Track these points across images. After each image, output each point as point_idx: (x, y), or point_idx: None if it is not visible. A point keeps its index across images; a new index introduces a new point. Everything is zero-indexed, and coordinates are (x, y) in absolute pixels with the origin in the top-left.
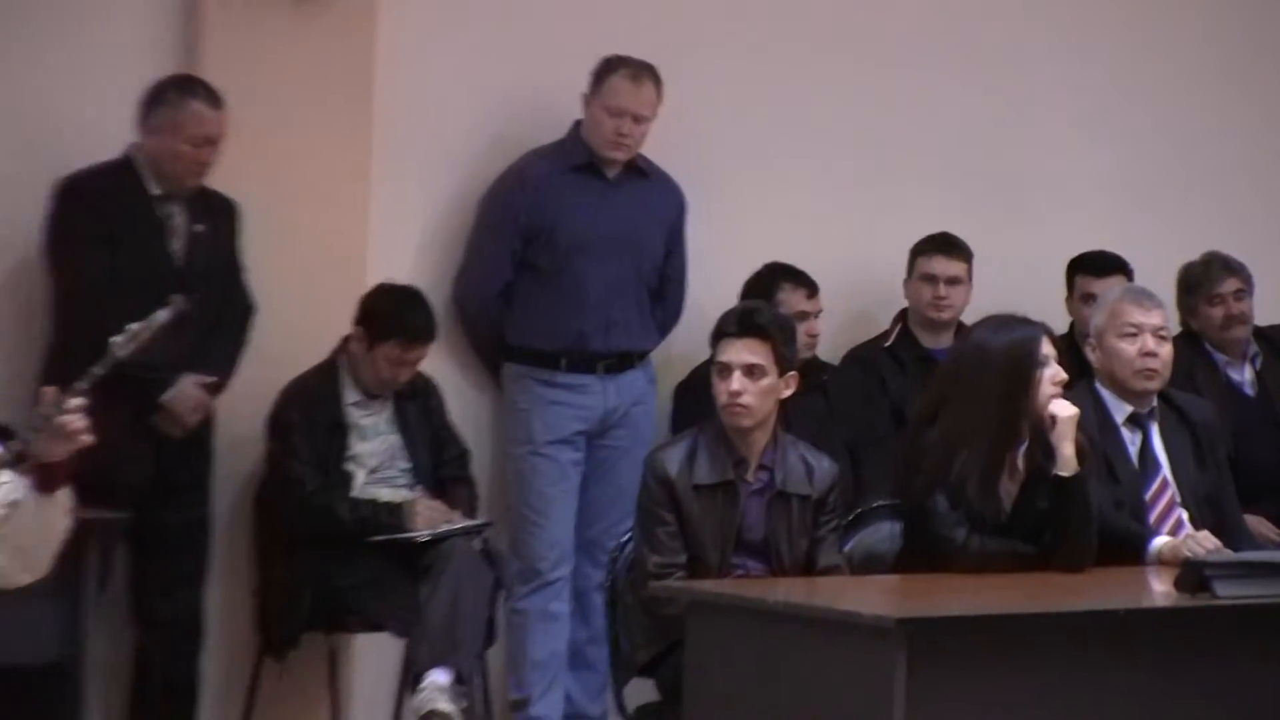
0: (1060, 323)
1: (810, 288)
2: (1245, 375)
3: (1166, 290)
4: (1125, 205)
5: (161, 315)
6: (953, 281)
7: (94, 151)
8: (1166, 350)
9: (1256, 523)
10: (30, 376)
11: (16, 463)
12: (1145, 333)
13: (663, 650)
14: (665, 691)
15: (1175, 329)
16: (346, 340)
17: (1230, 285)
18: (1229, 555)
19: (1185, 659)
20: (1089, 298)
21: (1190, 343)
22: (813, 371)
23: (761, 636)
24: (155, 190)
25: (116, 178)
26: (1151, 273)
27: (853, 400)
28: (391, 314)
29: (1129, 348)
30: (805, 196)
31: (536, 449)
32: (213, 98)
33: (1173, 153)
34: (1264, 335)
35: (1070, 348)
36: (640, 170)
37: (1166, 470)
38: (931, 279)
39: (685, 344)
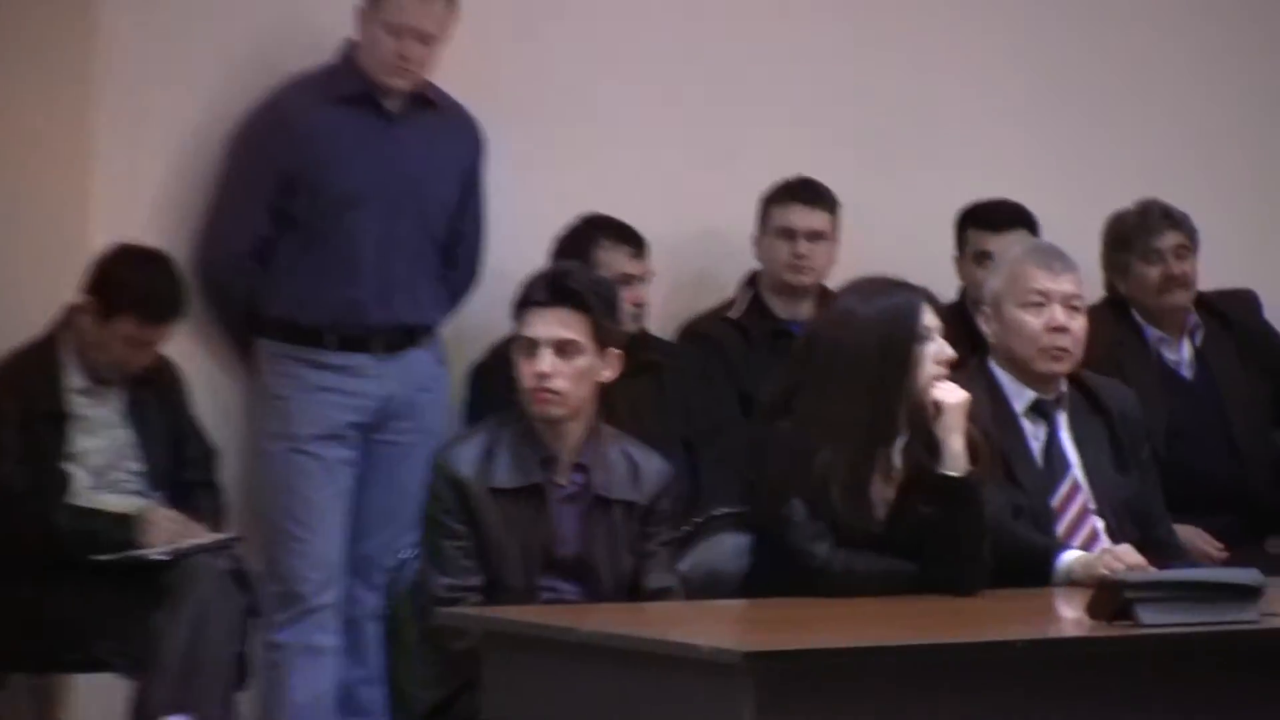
0: (948, 288)
1: (635, 245)
2: (1183, 354)
3: (1081, 253)
4: (1032, 148)
5: None
6: (814, 237)
7: None
8: (1079, 324)
9: (1193, 535)
10: None
11: None
12: (1054, 302)
13: (453, 692)
14: None
15: (1094, 296)
16: (71, 312)
17: (1171, 239)
18: (1155, 574)
19: (1100, 700)
20: (983, 257)
21: (1116, 312)
22: (640, 349)
23: (574, 675)
24: None
25: None
26: (1063, 228)
27: (690, 384)
28: (130, 282)
29: (1033, 320)
30: (631, 136)
31: (298, 446)
32: None
33: (1095, 85)
34: (1208, 304)
35: (960, 319)
36: (427, 102)
37: (1078, 470)
38: (788, 234)
39: (482, 316)
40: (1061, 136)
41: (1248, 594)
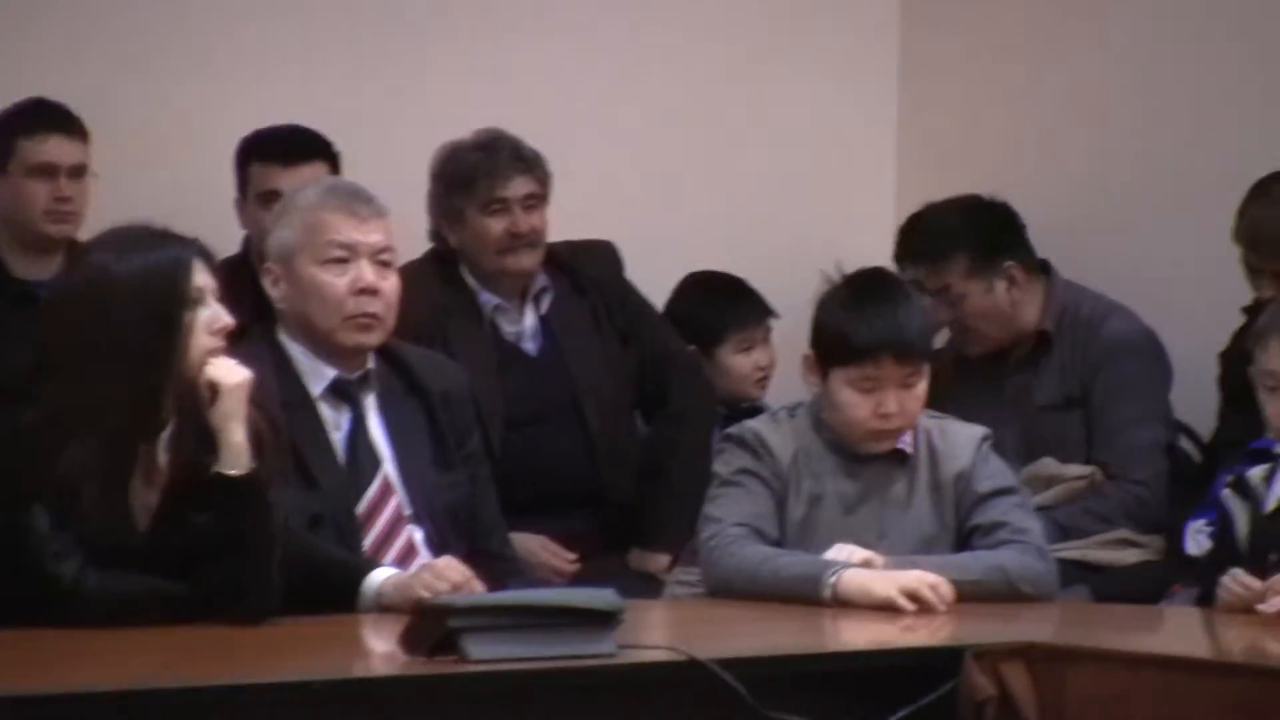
0: (229, 238)
1: None
2: (526, 323)
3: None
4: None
5: None
6: (76, 173)
7: None
8: (391, 284)
9: (537, 546)
10: None
11: None
12: (360, 257)
13: None
14: None
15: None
16: None
17: (521, 187)
18: (486, 597)
19: None
20: (271, 198)
21: (443, 270)
22: None
23: None
24: None
25: None
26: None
27: None
28: None
29: (335, 280)
30: None
31: None
32: None
33: None
34: (558, 261)
35: (242, 277)
36: None
37: (390, 468)
38: (46, 171)
39: None
40: None
41: (603, 620)
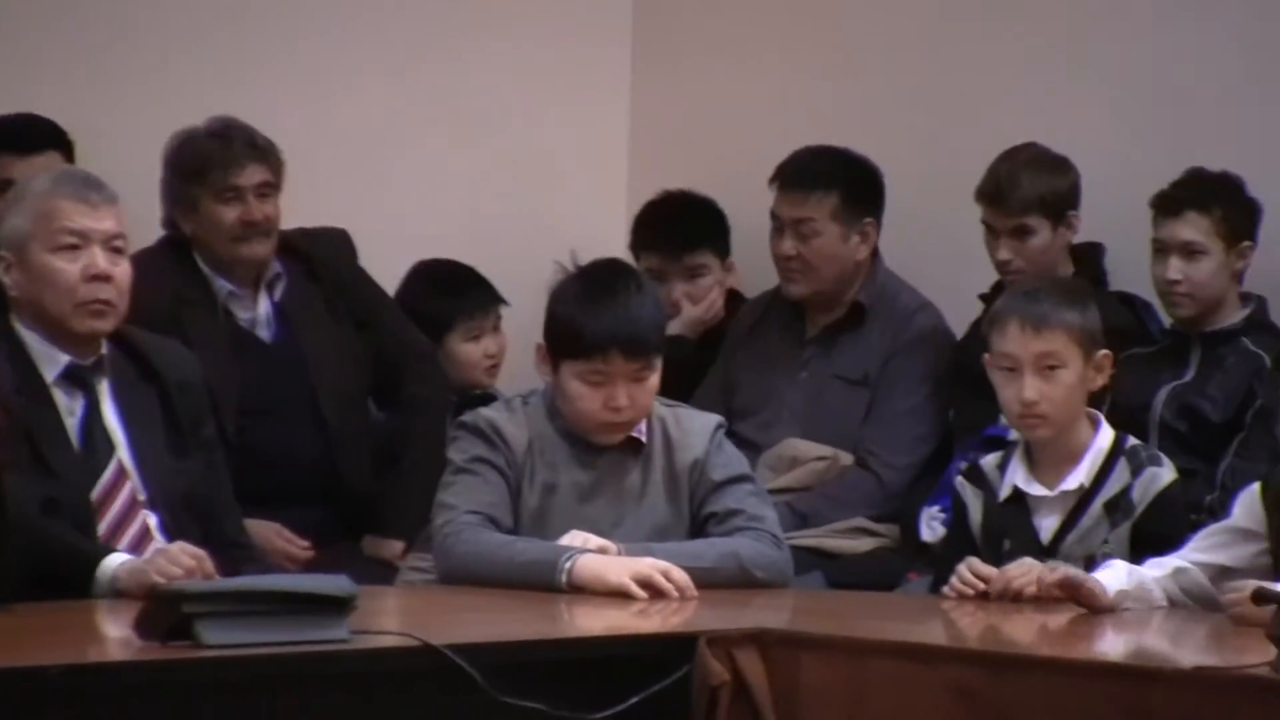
0: None
1: None
2: (260, 310)
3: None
4: None
5: None
6: None
7: None
8: (122, 270)
9: (271, 532)
10: None
11: None
12: (93, 244)
13: None
14: None
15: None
16: None
17: (255, 175)
18: (220, 583)
19: None
20: (4, 187)
21: (177, 256)
22: None
23: None
24: None
25: None
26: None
27: None
28: None
29: (68, 268)
30: None
31: None
32: None
33: None
34: (292, 248)
35: None
36: None
37: (125, 454)
38: None
39: None
40: None
41: (336, 606)
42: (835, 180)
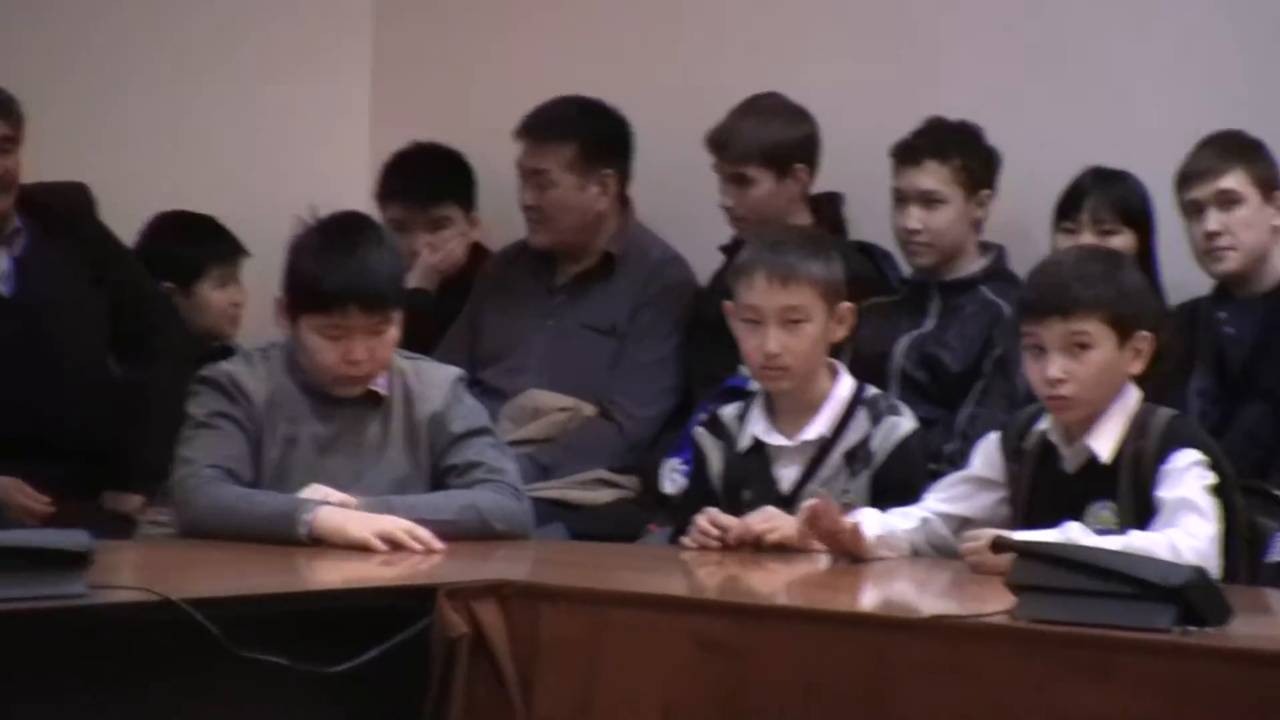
0: None
1: None
2: (2, 265)
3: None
4: None
5: None
6: None
7: None
8: None
9: (12, 486)
10: None
11: None
12: None
13: None
14: None
15: None
16: None
17: None
18: None
19: None
20: None
21: None
22: None
23: None
24: None
25: None
26: None
27: None
28: None
29: None
30: None
31: None
32: None
33: None
34: (31, 203)
35: None
36: None
37: None
38: None
39: None
40: None
41: (73, 561)
42: (572, 131)
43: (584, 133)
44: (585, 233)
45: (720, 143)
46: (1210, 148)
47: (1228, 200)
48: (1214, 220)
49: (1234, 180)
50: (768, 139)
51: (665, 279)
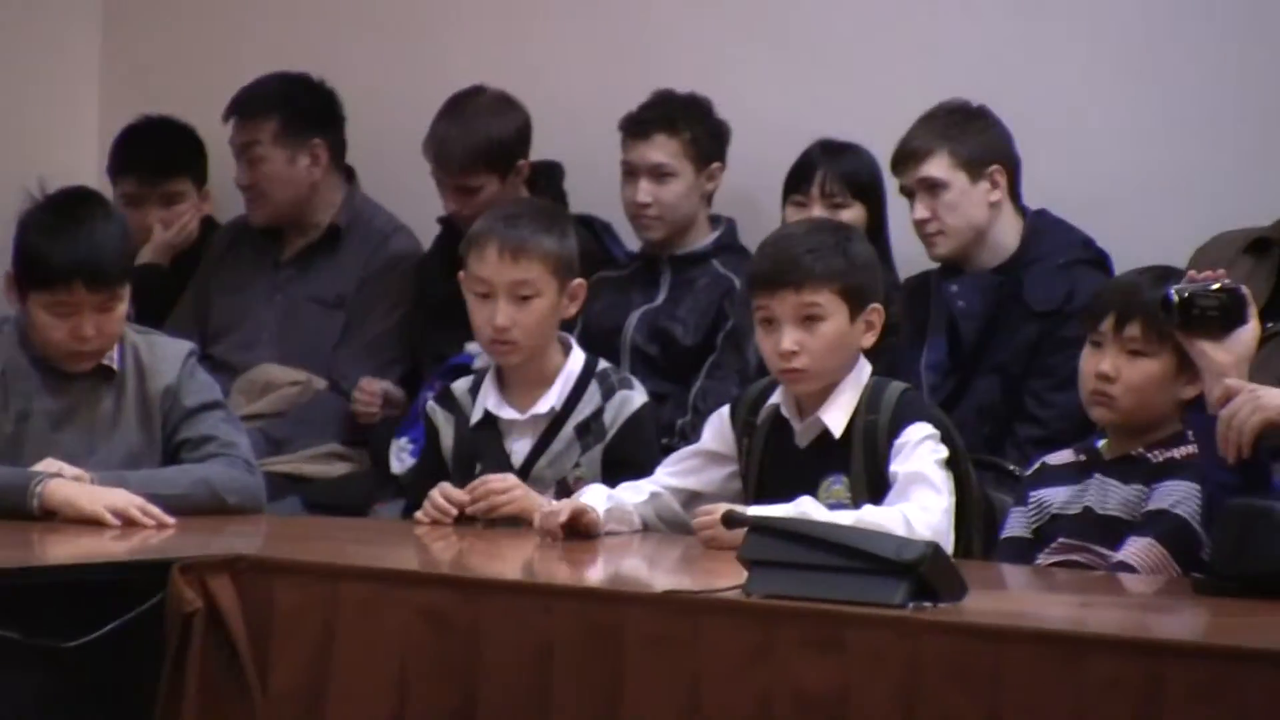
0: None
1: None
2: None
3: None
4: None
5: None
6: None
7: None
8: None
9: None
10: None
11: None
12: None
13: None
14: None
15: None
16: None
17: None
18: None
19: None
20: None
21: None
22: None
23: None
24: None
25: None
26: None
27: None
28: None
29: None
30: None
31: None
32: None
33: None
34: None
35: None
36: None
37: None
38: None
39: None
40: None
41: None
42: (275, 104)
43: (287, 105)
44: (302, 206)
45: (437, 156)
46: (920, 128)
47: (931, 186)
48: (921, 208)
49: (935, 167)
50: (484, 144)
51: (391, 250)
